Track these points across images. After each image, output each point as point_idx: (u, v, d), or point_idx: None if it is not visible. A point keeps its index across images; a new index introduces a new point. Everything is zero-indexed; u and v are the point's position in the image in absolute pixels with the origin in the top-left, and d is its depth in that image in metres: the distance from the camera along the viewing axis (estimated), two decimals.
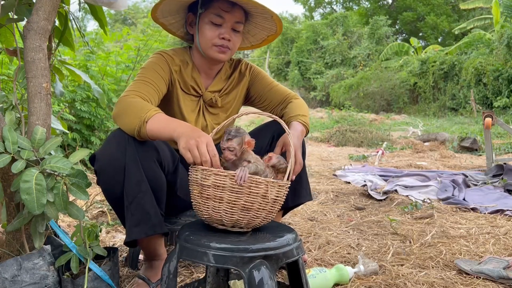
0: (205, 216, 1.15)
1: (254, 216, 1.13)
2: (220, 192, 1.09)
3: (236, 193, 1.09)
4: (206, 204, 1.12)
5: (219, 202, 1.10)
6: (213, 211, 1.12)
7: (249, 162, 1.16)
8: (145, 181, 1.33)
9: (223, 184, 1.08)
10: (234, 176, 1.08)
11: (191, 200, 1.18)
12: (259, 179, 1.09)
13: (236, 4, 1.44)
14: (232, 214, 1.11)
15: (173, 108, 1.56)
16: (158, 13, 1.50)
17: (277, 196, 1.14)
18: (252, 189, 1.09)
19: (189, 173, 1.17)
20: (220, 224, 1.14)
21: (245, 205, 1.10)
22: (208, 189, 1.10)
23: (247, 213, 1.11)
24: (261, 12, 1.48)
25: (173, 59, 1.53)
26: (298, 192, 1.64)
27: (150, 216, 1.33)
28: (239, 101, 1.68)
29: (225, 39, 1.47)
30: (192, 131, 1.18)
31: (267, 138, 1.60)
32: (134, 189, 1.31)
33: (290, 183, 1.18)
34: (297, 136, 1.42)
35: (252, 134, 1.66)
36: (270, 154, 1.24)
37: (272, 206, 1.14)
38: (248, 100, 1.72)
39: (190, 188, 1.17)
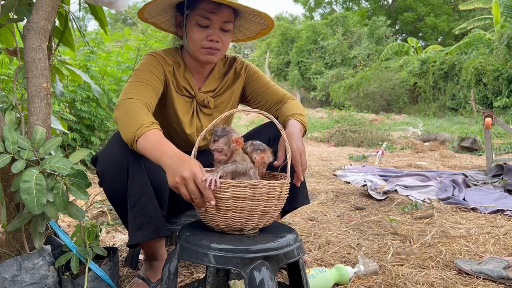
0: (222, 226, 1.13)
1: (270, 217, 1.16)
2: (241, 202, 1.09)
3: (257, 201, 1.10)
4: (225, 215, 1.11)
5: (240, 212, 1.10)
6: (232, 220, 1.11)
7: (233, 161, 1.15)
8: (148, 184, 1.32)
9: (244, 195, 1.08)
10: (254, 185, 1.08)
11: (199, 213, 1.16)
12: (275, 183, 1.11)
13: (222, 4, 1.39)
14: (252, 221, 1.12)
15: (168, 110, 1.54)
16: (146, 14, 1.47)
17: (286, 194, 1.17)
18: (270, 194, 1.11)
19: None
20: (237, 230, 1.14)
21: (264, 210, 1.12)
22: (227, 201, 1.09)
23: (265, 216, 1.14)
24: (248, 9, 1.44)
25: (165, 60, 1.50)
26: (295, 196, 1.60)
27: (153, 219, 1.33)
28: (234, 101, 1.65)
29: (213, 41, 1.43)
30: (176, 164, 1.11)
31: (264, 140, 1.59)
32: (137, 192, 1.31)
33: (290, 179, 1.19)
34: (297, 135, 1.36)
35: (249, 135, 1.65)
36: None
37: (282, 204, 1.18)
38: (243, 99, 1.69)
39: None
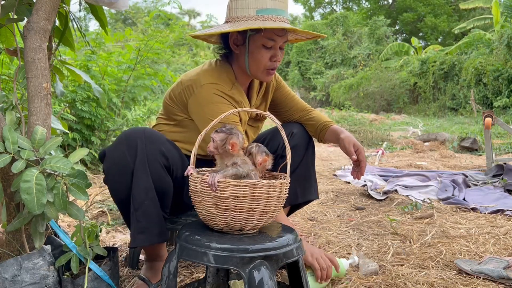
0: (222, 225, 1.14)
1: (270, 217, 1.16)
2: (240, 202, 1.09)
3: (257, 200, 1.10)
4: (224, 215, 1.11)
5: (239, 212, 1.10)
6: (232, 220, 1.11)
7: (234, 164, 1.15)
8: (152, 189, 1.33)
9: (243, 194, 1.08)
10: (254, 184, 1.08)
11: (199, 211, 1.17)
12: (274, 182, 1.11)
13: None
14: (252, 220, 1.12)
15: None
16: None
17: (285, 194, 1.18)
18: (269, 194, 1.11)
19: (193, 185, 1.14)
20: (237, 230, 1.14)
21: (264, 209, 1.12)
22: (226, 200, 1.09)
23: (265, 216, 1.14)
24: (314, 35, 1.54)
25: (232, 98, 1.49)
26: (308, 189, 1.69)
27: (155, 224, 1.34)
28: (267, 107, 1.72)
29: (277, 61, 1.48)
30: (312, 248, 1.52)
31: (279, 142, 1.62)
32: (141, 196, 1.32)
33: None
34: (350, 135, 1.61)
35: (265, 135, 1.71)
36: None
37: (282, 203, 1.17)
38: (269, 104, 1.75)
39: (197, 199, 1.15)
